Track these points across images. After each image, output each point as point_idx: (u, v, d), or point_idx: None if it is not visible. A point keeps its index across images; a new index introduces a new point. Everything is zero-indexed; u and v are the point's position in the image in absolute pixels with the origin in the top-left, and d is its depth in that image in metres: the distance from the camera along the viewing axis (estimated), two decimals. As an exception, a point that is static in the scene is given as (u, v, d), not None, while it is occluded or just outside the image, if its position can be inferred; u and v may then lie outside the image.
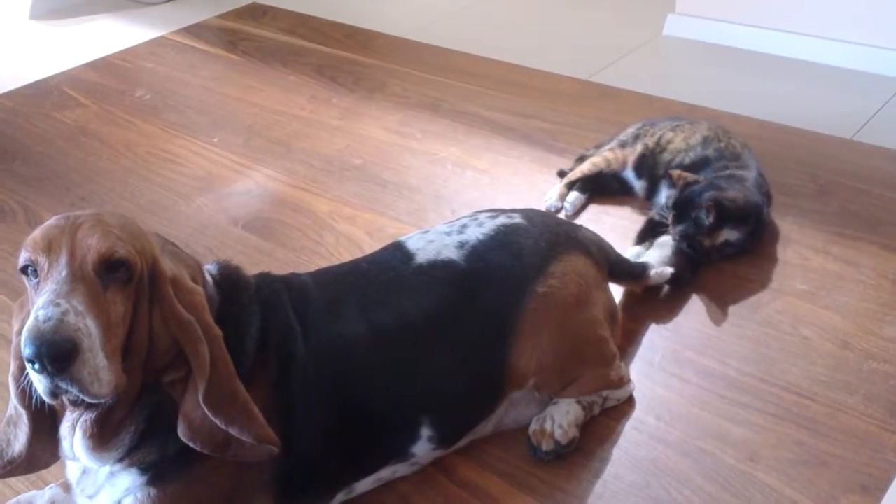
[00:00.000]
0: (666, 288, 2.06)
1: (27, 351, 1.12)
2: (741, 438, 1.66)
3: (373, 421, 1.51)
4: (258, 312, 1.44)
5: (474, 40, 3.59)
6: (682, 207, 2.09)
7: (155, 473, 1.33)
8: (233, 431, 1.28)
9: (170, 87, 3.38)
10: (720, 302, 2.03)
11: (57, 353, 1.12)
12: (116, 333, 1.21)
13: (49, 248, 1.20)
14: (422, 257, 1.61)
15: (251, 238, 2.40)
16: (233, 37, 3.84)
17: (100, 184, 2.72)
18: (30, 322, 1.14)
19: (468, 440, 1.66)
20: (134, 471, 1.33)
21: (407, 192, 2.56)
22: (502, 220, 1.70)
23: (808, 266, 2.12)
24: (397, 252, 1.64)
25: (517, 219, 1.71)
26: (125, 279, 1.23)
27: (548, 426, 1.64)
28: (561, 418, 1.64)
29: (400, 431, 1.54)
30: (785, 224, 2.26)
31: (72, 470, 1.42)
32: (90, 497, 1.39)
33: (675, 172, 2.14)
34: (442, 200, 2.51)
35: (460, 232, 1.67)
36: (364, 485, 1.56)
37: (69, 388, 1.16)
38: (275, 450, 1.33)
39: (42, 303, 1.15)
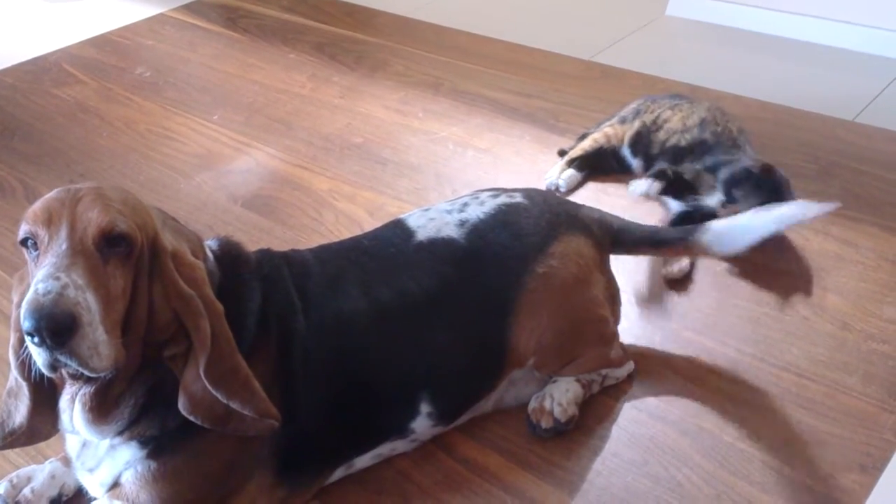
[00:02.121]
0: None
1: (26, 324, 1.12)
2: (740, 417, 1.66)
3: (372, 396, 1.51)
4: (259, 287, 1.44)
5: (477, 19, 3.57)
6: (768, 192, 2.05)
7: (155, 447, 1.34)
8: (234, 405, 1.29)
9: (169, 65, 3.36)
10: (720, 282, 2.03)
11: (56, 327, 1.12)
12: (116, 308, 1.21)
13: (49, 220, 1.20)
14: (422, 235, 1.61)
15: (251, 216, 2.40)
16: (233, 14, 3.82)
17: (99, 161, 2.72)
18: (29, 295, 1.13)
19: (468, 417, 1.67)
20: (134, 444, 1.34)
21: (407, 171, 2.55)
22: (503, 199, 1.70)
23: (807, 247, 2.12)
24: (398, 229, 1.64)
25: (518, 198, 1.71)
26: (125, 253, 1.22)
27: (547, 404, 1.64)
28: (560, 396, 1.65)
29: (399, 407, 1.54)
30: (786, 205, 2.26)
31: (72, 444, 1.42)
32: (90, 470, 1.39)
33: (766, 166, 2.06)
34: (443, 179, 2.50)
35: (461, 210, 1.66)
36: (363, 460, 1.57)
37: (68, 361, 1.16)
38: (275, 424, 1.33)
39: (42, 276, 1.15)
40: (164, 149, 2.76)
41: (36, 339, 1.13)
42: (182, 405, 1.28)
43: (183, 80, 3.23)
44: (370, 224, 2.27)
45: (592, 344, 1.67)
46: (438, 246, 1.59)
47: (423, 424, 1.57)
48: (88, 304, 1.15)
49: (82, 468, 1.41)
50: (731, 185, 2.07)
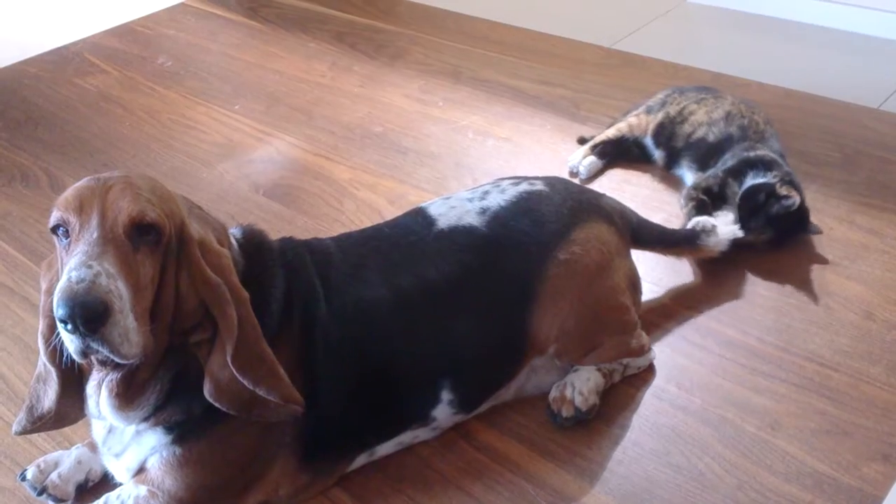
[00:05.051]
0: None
1: (60, 311, 1.14)
2: (762, 407, 1.66)
3: (394, 382, 1.52)
4: (282, 275, 1.45)
5: (497, 7, 3.55)
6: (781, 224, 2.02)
7: (180, 432, 1.35)
8: (260, 392, 1.30)
9: (191, 54, 3.38)
10: (742, 272, 2.01)
11: (89, 315, 1.14)
12: (145, 296, 1.23)
13: (81, 208, 1.22)
14: (443, 223, 1.61)
15: (272, 205, 2.41)
16: (253, 3, 3.82)
17: (122, 150, 2.74)
18: (62, 283, 1.15)
19: (489, 405, 1.67)
20: (159, 430, 1.35)
21: (428, 160, 2.55)
22: (524, 187, 1.70)
23: (831, 236, 2.10)
24: (419, 217, 1.65)
25: (539, 186, 1.71)
26: (154, 242, 1.24)
27: (568, 393, 1.64)
28: (581, 385, 1.65)
29: (421, 394, 1.55)
30: (809, 194, 2.23)
31: (97, 429, 1.44)
32: (116, 455, 1.41)
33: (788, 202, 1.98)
34: (463, 168, 2.50)
35: (482, 198, 1.66)
36: (385, 448, 1.58)
37: (100, 348, 1.18)
38: (299, 409, 1.35)
39: (74, 264, 1.16)
40: (186, 138, 2.78)
41: (69, 326, 1.15)
42: (208, 391, 1.30)
43: (204, 69, 3.24)
44: (391, 213, 2.27)
45: (614, 332, 1.67)
46: (459, 233, 1.59)
47: (444, 412, 1.57)
48: (120, 291, 1.17)
49: (108, 453, 1.43)
50: (748, 206, 2.02)
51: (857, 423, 1.61)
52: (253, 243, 1.48)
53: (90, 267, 1.15)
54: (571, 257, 1.59)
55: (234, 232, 1.50)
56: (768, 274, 2.00)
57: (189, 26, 3.65)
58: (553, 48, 3.19)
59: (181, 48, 3.44)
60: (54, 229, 1.25)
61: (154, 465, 1.37)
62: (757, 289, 1.96)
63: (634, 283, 1.75)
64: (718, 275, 2.01)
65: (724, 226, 1.97)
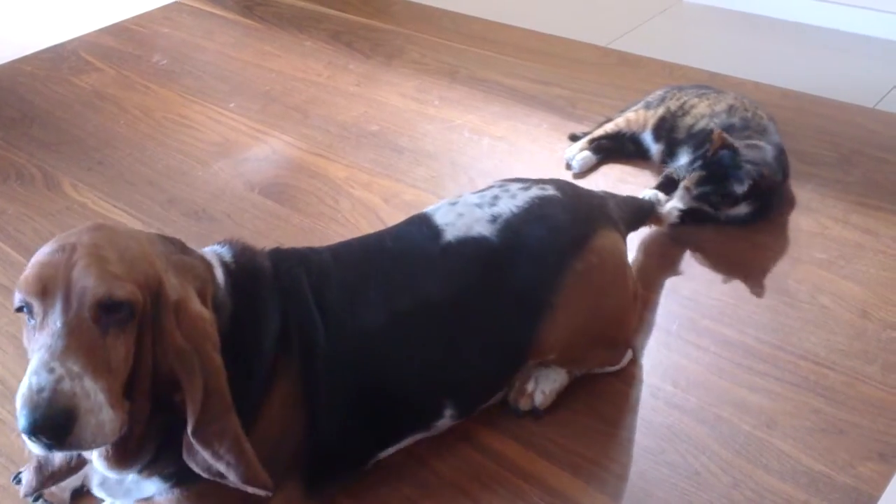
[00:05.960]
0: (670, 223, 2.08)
1: (23, 422, 1.06)
2: (758, 406, 1.66)
3: (397, 405, 1.48)
4: (277, 306, 1.38)
5: (493, 6, 3.55)
6: (713, 170, 2.06)
7: (178, 479, 1.31)
8: (220, 468, 1.23)
9: (186, 53, 3.37)
10: (738, 271, 2.01)
11: (54, 426, 1.07)
12: (119, 377, 1.16)
13: (44, 291, 1.14)
14: (451, 234, 1.52)
15: (267, 203, 2.40)
16: (249, 2, 3.82)
17: (117, 148, 2.73)
18: (24, 387, 1.08)
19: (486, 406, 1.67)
20: (156, 479, 1.31)
21: (424, 159, 2.55)
22: (536, 191, 1.62)
23: (827, 235, 2.10)
24: (424, 227, 1.56)
25: (551, 190, 1.63)
26: (126, 319, 1.16)
27: (529, 387, 1.65)
28: (545, 385, 1.65)
29: (423, 412, 1.53)
30: (805, 193, 2.24)
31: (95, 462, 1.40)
32: (114, 497, 1.38)
33: (718, 131, 2.07)
34: (459, 168, 2.49)
35: (492, 204, 1.58)
36: (385, 453, 1.55)
37: (69, 452, 1.14)
38: (268, 492, 1.27)
39: (36, 366, 1.09)
40: (182, 136, 2.77)
41: (33, 440, 1.08)
42: (184, 453, 1.24)
43: (199, 68, 3.24)
44: (386, 212, 2.28)
45: (608, 346, 1.68)
46: (468, 246, 1.51)
47: (444, 422, 1.57)
48: (86, 390, 1.10)
49: (107, 495, 1.38)
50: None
51: (852, 422, 1.62)
52: (245, 270, 1.39)
53: (52, 370, 1.07)
54: (588, 267, 1.55)
55: (224, 253, 1.41)
56: (764, 273, 2.00)
57: (184, 24, 3.64)
58: (550, 47, 3.19)
59: (176, 46, 3.44)
60: (19, 310, 1.17)
61: (160, 500, 1.34)
62: (753, 288, 1.96)
63: (636, 294, 1.75)
64: (715, 274, 2.01)
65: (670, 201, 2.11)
